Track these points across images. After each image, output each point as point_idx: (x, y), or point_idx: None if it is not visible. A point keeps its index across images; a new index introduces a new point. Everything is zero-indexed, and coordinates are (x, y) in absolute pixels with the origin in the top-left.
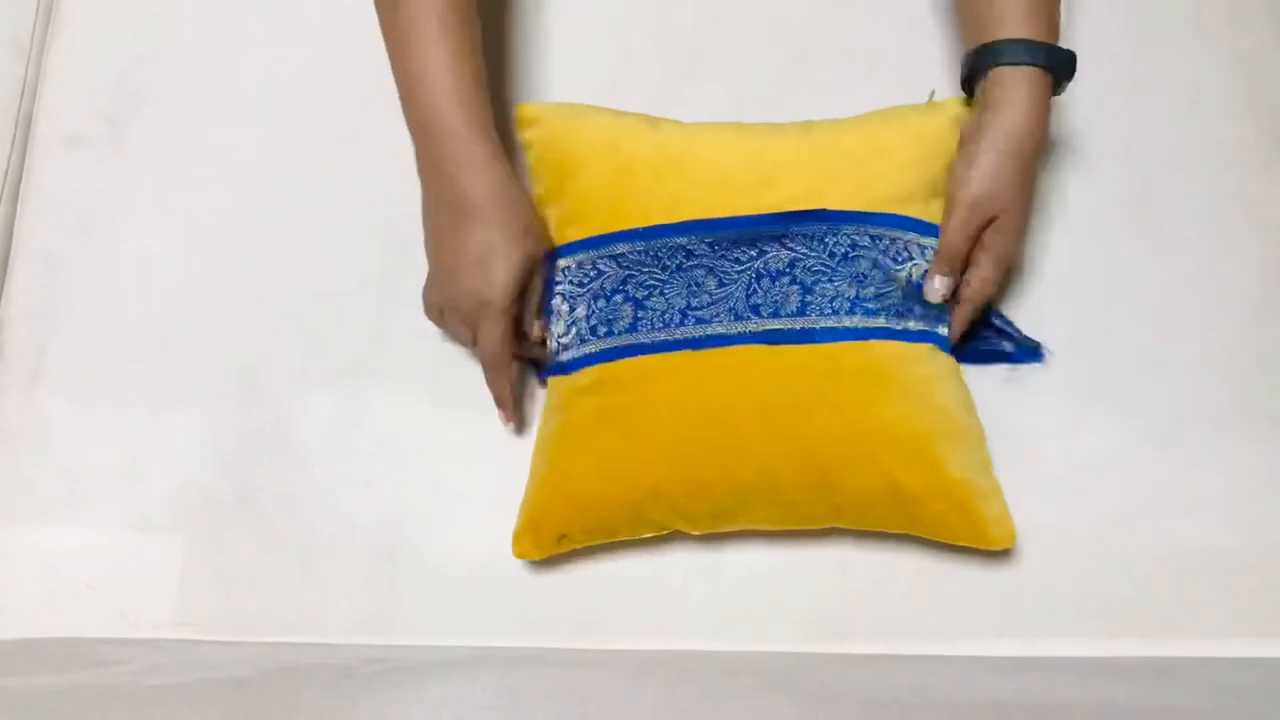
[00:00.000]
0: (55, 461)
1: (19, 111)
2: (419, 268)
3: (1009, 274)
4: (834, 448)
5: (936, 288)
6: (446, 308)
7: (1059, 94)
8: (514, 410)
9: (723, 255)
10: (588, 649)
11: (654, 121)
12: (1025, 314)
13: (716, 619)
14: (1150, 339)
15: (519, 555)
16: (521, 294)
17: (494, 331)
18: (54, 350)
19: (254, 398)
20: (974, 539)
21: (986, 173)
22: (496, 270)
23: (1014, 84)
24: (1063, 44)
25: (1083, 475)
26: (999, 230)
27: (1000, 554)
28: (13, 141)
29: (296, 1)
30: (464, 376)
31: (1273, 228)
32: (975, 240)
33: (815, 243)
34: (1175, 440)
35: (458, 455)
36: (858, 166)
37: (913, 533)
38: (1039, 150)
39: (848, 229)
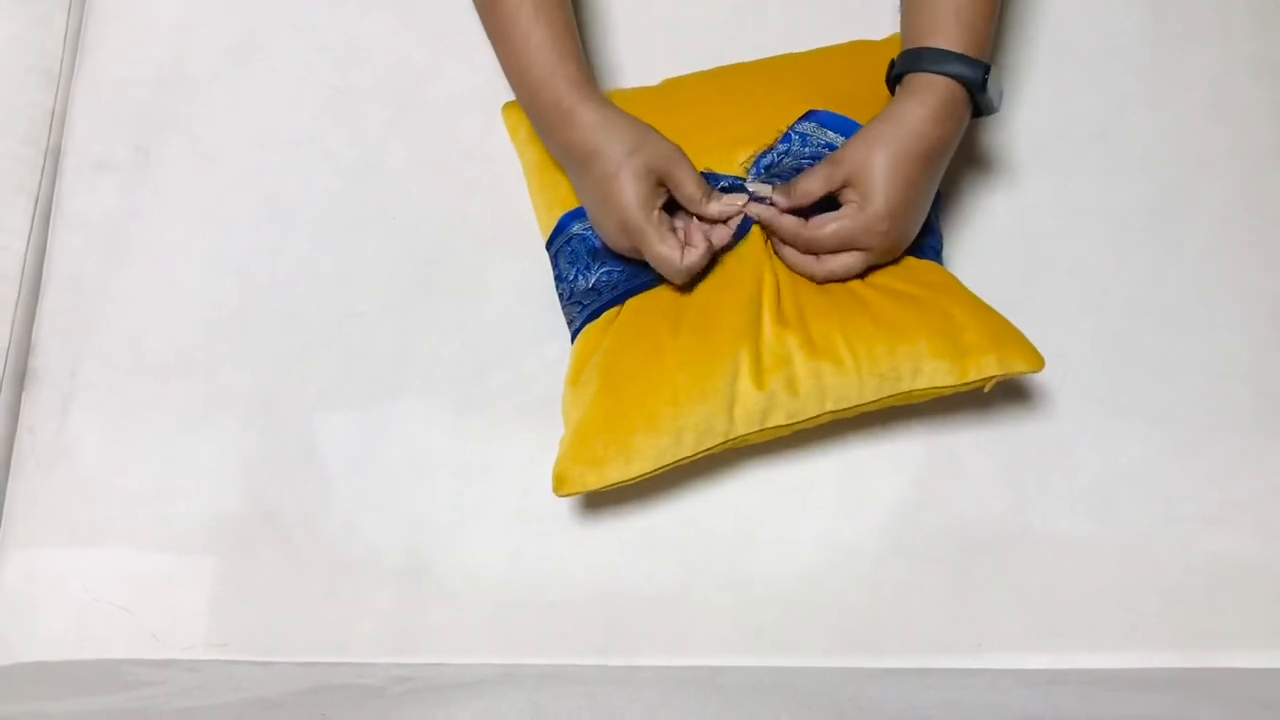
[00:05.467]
0: (86, 484)
1: (49, 140)
2: (439, 290)
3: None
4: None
5: (752, 189)
6: (614, 247)
7: (985, 113)
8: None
9: None
10: (615, 665)
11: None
12: (1046, 323)
13: (745, 634)
14: (1174, 347)
15: (563, 491)
16: (658, 201)
17: (652, 245)
18: (84, 374)
19: (279, 419)
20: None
21: (857, 144)
22: (619, 195)
23: (916, 86)
24: (1082, 49)
25: (1110, 486)
26: (846, 202)
27: (1030, 568)
28: (43, 168)
29: (319, 27)
30: (485, 396)
31: None
32: (824, 193)
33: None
34: (1202, 449)
35: (480, 474)
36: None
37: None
38: (930, 154)
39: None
